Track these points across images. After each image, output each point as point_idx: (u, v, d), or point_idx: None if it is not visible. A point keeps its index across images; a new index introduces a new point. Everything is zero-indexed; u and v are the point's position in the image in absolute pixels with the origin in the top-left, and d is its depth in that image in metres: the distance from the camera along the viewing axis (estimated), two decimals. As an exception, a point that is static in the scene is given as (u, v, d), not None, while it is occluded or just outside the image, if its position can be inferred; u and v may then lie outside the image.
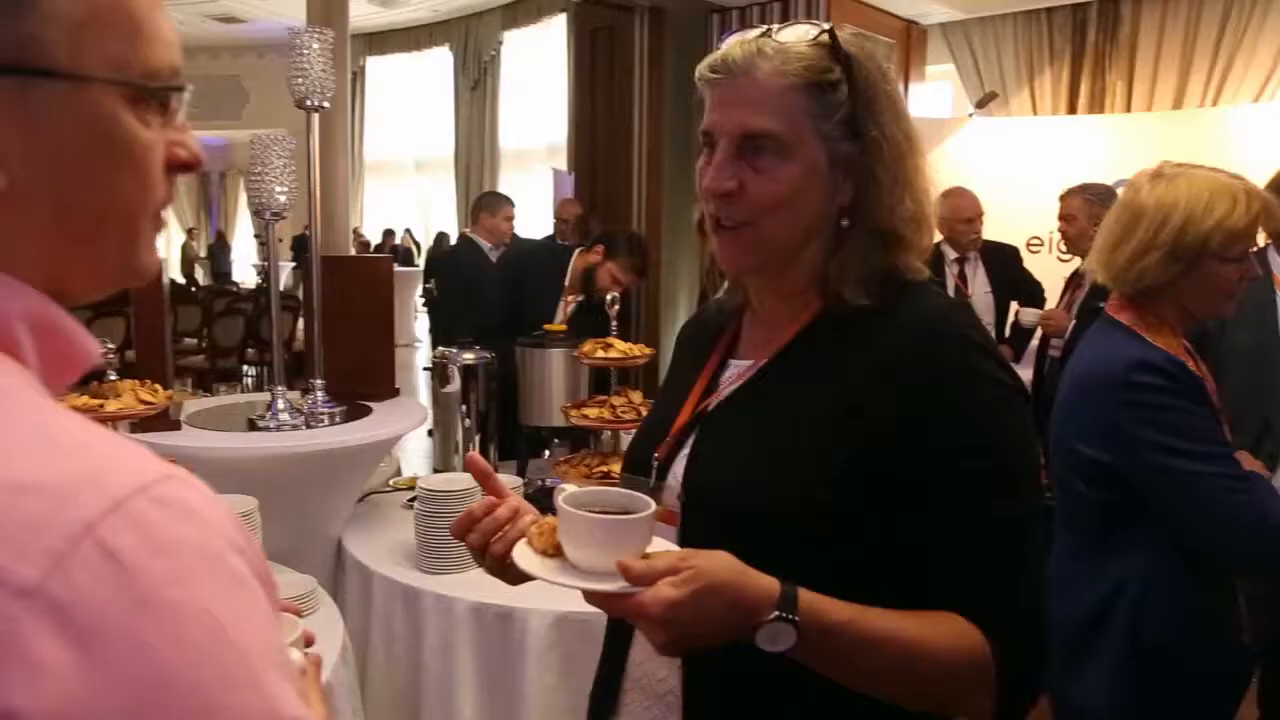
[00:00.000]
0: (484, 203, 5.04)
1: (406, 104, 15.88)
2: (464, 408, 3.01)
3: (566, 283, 3.66)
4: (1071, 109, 6.57)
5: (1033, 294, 4.36)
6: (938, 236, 4.36)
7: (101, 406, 1.96)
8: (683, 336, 1.28)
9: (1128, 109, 6.31)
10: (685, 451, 1.08)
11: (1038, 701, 0.97)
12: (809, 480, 0.96)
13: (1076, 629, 1.71)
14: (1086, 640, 1.70)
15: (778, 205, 1.01)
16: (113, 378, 2.04)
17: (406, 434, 2.79)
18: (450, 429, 3.01)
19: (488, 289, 3.80)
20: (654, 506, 0.91)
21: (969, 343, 0.98)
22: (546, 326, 3.04)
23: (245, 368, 8.24)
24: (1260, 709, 2.39)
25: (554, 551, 0.92)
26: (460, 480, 2.41)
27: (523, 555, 0.94)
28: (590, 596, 0.87)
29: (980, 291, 4.27)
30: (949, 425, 0.94)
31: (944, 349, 0.97)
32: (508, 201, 5.02)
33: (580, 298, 3.64)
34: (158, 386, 2.13)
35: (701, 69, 1.04)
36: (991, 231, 4.52)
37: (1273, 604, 2.15)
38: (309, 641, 0.92)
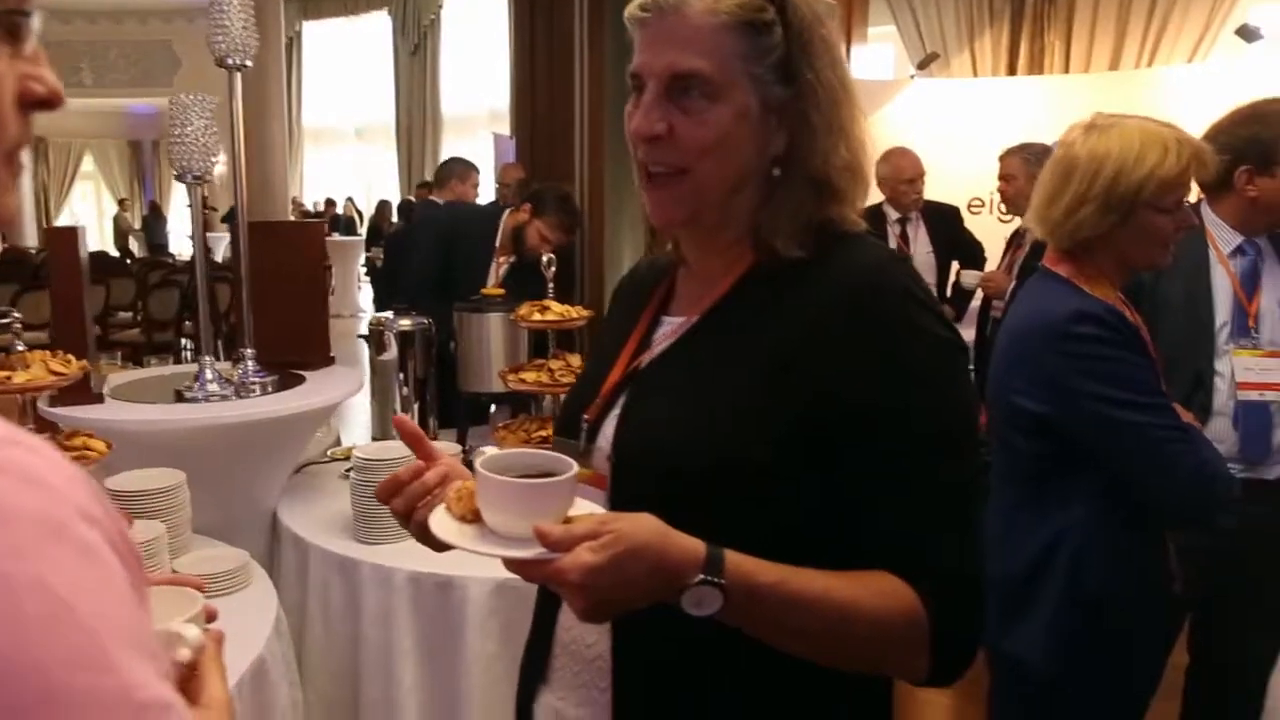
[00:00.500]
0: (454, 169, 4.93)
1: (345, 70, 15.55)
2: (401, 375, 2.95)
3: (497, 244, 3.60)
4: (1011, 70, 6.61)
5: (973, 254, 4.39)
6: (880, 196, 4.38)
7: (9, 379, 1.87)
8: (617, 294, 1.24)
9: (1066, 70, 6.37)
10: (616, 411, 1.04)
11: (973, 661, 0.96)
12: (742, 439, 0.93)
13: (1015, 582, 1.72)
14: (1025, 592, 1.71)
15: (707, 151, 0.97)
16: (20, 348, 1.95)
17: (339, 403, 2.72)
18: (388, 397, 2.94)
19: (427, 253, 3.73)
20: (575, 469, 0.88)
21: (909, 296, 0.95)
22: (484, 290, 2.98)
23: (183, 341, 8.04)
24: (1190, 655, 2.44)
25: (473, 517, 0.88)
26: (397, 449, 2.35)
27: (439, 522, 0.90)
28: (509, 564, 0.84)
29: (922, 252, 4.29)
30: (889, 383, 0.92)
31: (882, 303, 0.94)
32: (476, 169, 4.93)
33: (512, 259, 3.58)
34: (70, 357, 2.04)
35: (631, 8, 1.00)
36: (933, 193, 4.53)
37: (1202, 554, 2.19)
38: (211, 617, 0.87)
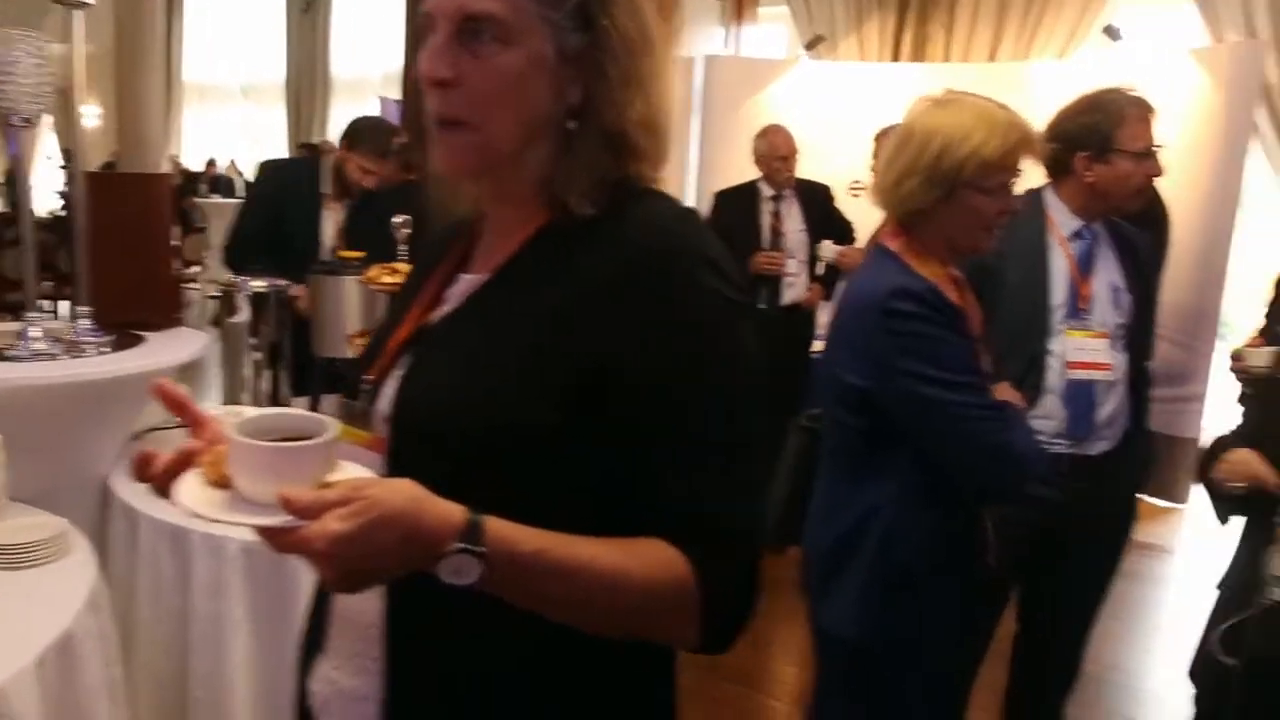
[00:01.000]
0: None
1: (233, 25, 14.90)
2: (254, 340, 2.83)
3: (322, 190, 3.51)
4: (896, 56, 6.73)
5: (843, 233, 4.46)
6: (756, 173, 4.42)
7: None
8: (420, 251, 1.20)
9: (947, 59, 6.51)
10: (400, 371, 1.00)
11: (745, 628, 0.95)
12: (525, 401, 0.90)
13: (831, 555, 1.75)
14: (839, 565, 1.75)
15: (497, 98, 0.93)
16: None
17: (176, 365, 2.60)
18: (238, 362, 2.83)
19: (251, 213, 3.62)
20: (332, 432, 0.83)
21: (698, 257, 0.93)
22: (341, 253, 2.89)
23: (42, 302, 7.61)
24: (1018, 624, 2.54)
25: (226, 483, 0.83)
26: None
27: (187, 489, 0.84)
28: (258, 533, 0.79)
29: (794, 229, 4.34)
30: (669, 342, 0.90)
31: (670, 263, 0.92)
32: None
33: (345, 202, 3.48)
34: None
35: None
36: (818, 173, 4.59)
37: (1026, 528, 2.27)
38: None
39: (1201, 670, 1.84)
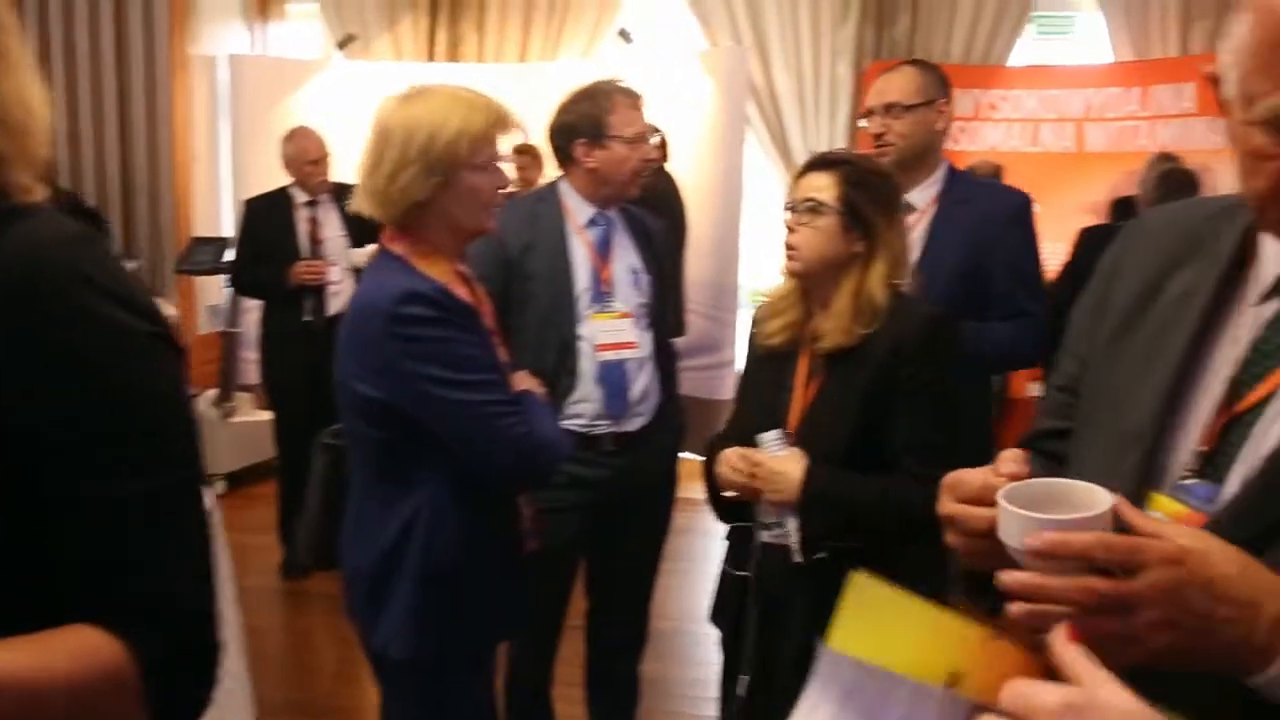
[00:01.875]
0: None
1: None
2: None
3: None
4: (432, 56, 6.72)
5: (376, 235, 4.36)
6: (287, 179, 4.17)
7: None
8: None
9: (481, 59, 6.63)
10: None
11: (208, 700, 0.82)
12: None
13: (374, 574, 1.68)
14: (384, 583, 1.67)
15: None
16: None
17: None
18: None
19: None
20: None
21: (82, 280, 0.78)
22: None
23: None
24: (588, 597, 2.63)
25: None
26: None
27: None
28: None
29: (335, 235, 4.17)
30: (52, 383, 0.75)
31: (47, 289, 0.76)
32: None
33: None
34: None
35: None
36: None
37: (582, 508, 2.35)
38: None
39: (716, 613, 2.01)
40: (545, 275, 2.40)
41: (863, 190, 1.83)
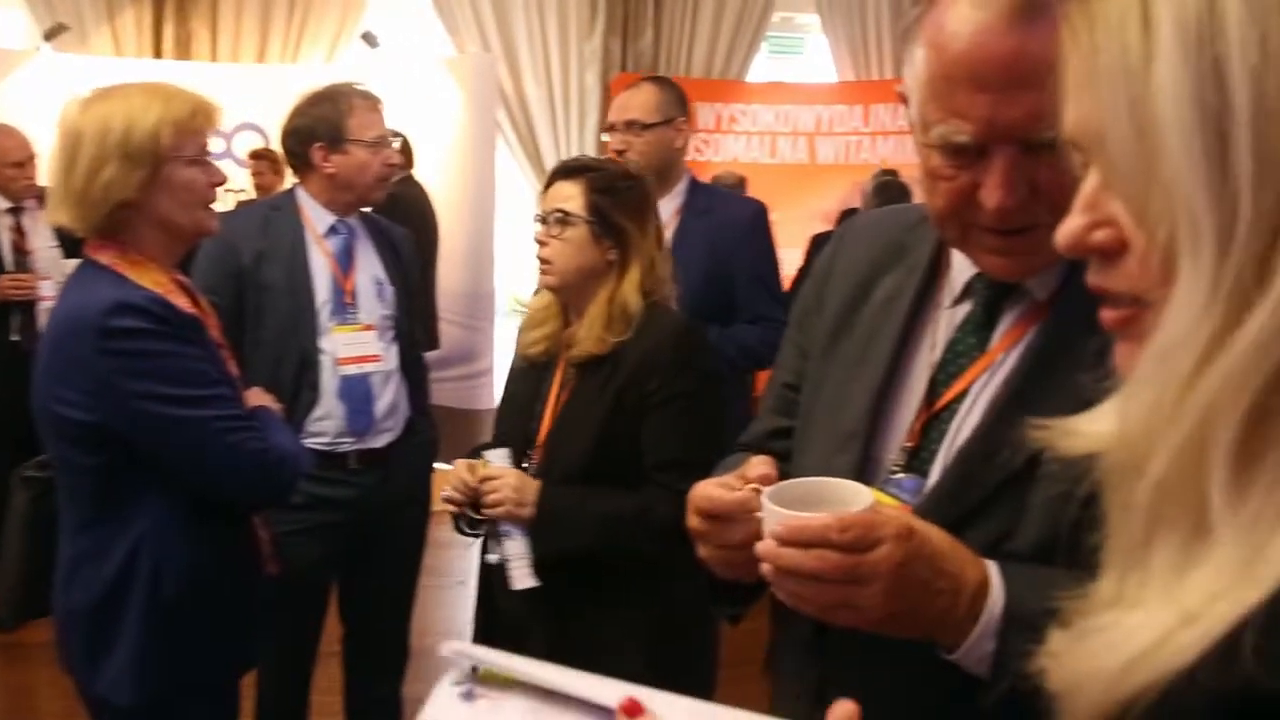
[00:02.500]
0: None
1: None
2: None
3: None
4: (159, 52, 6.25)
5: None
6: None
7: None
8: None
9: (214, 58, 6.24)
10: None
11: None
12: None
13: (94, 615, 1.53)
14: (105, 623, 1.53)
15: None
16: None
17: None
18: None
19: None
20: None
21: None
22: None
23: None
24: (343, 622, 2.52)
25: None
26: None
27: None
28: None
29: (45, 245, 3.77)
30: None
31: None
32: None
33: None
34: None
35: None
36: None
37: (327, 530, 2.26)
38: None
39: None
40: (283, 286, 2.28)
41: (611, 196, 1.79)
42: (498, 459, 1.77)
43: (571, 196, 1.80)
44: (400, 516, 2.45)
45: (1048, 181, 0.87)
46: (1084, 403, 0.85)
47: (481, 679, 0.69)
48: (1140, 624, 0.49)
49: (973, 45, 0.86)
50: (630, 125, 2.54)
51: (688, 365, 1.76)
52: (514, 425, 1.91)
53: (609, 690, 0.65)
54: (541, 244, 1.82)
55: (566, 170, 1.87)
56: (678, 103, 2.63)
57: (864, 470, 1.00)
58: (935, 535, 0.85)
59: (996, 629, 0.84)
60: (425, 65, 5.38)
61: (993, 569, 0.86)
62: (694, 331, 1.84)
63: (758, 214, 2.73)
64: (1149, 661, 0.47)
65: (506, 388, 2.02)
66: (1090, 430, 0.57)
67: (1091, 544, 0.57)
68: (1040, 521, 0.88)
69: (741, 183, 4.73)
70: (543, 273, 1.84)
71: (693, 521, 0.96)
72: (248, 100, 5.37)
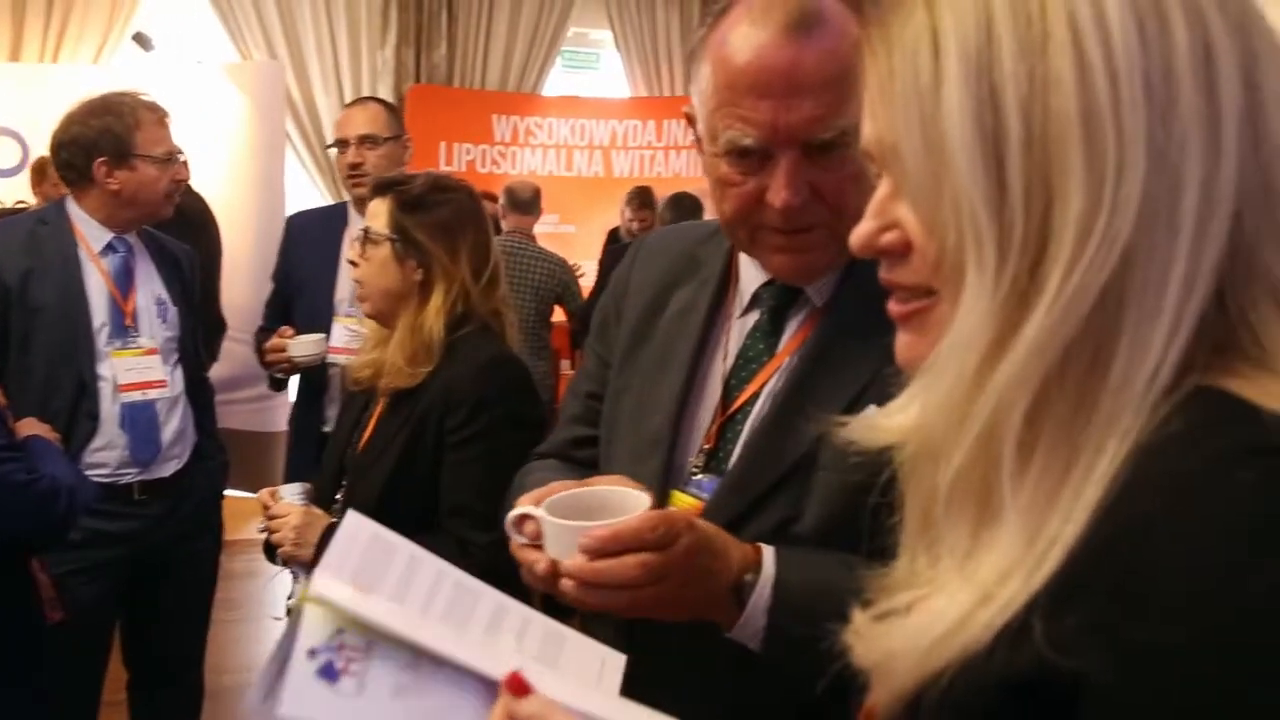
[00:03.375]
0: None
1: None
2: None
3: None
4: (-110, 47, 5.63)
5: None
6: None
7: None
8: None
9: (-40, 55, 5.69)
10: None
11: None
12: None
13: None
14: None
15: None
16: None
17: None
18: None
19: None
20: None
21: None
22: None
23: None
24: (127, 667, 2.37)
25: None
26: None
27: None
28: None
29: None
30: None
31: None
32: None
33: None
34: None
35: None
36: None
37: (96, 568, 2.12)
38: None
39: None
40: (54, 307, 2.13)
41: (417, 214, 1.70)
42: (289, 494, 1.70)
43: (378, 214, 1.73)
44: (189, 548, 2.33)
45: (826, 183, 0.96)
46: (858, 395, 0.94)
47: (344, 636, 0.62)
48: (944, 605, 0.54)
49: (754, 58, 0.94)
50: (364, 140, 2.57)
51: (492, 404, 1.61)
52: (331, 454, 1.85)
53: (491, 662, 0.63)
54: (353, 264, 1.76)
55: (378, 186, 1.80)
56: (401, 122, 2.75)
57: (669, 474, 1.06)
58: (702, 520, 0.92)
59: (766, 606, 0.90)
60: (206, 70, 5.12)
61: (768, 553, 0.93)
62: (507, 367, 1.70)
63: None
64: (951, 640, 0.52)
65: (338, 417, 1.96)
66: (888, 424, 0.63)
67: (888, 528, 0.64)
68: (821, 506, 0.96)
69: (537, 194, 4.76)
70: (358, 296, 1.79)
71: (514, 547, 0.94)
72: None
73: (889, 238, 0.60)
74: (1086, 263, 0.50)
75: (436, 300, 1.68)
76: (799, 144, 0.95)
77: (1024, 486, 0.53)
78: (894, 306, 0.62)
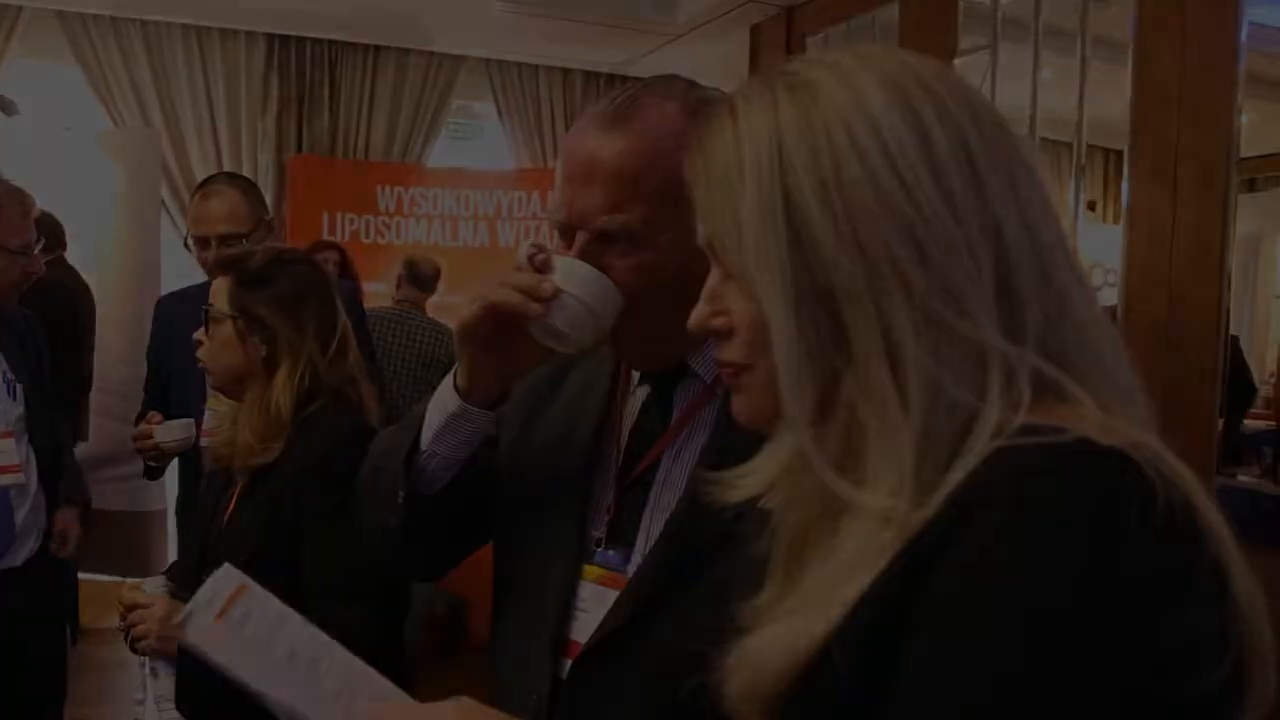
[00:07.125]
0: None
1: None
2: None
3: None
4: None
5: None
6: None
7: None
8: None
9: None
10: None
11: None
12: None
13: None
14: None
15: None
16: None
17: None
18: None
19: None
20: None
21: None
22: None
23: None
24: None
25: None
26: None
27: None
28: None
29: None
30: None
31: None
32: None
33: None
34: None
35: None
36: None
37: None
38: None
39: None
40: None
41: (257, 289, 1.68)
42: (152, 586, 1.63)
43: (219, 292, 1.71)
44: (41, 641, 2.21)
45: (614, 270, 1.01)
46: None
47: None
48: (797, 624, 0.64)
49: (569, 143, 1.03)
50: (225, 239, 2.31)
51: (346, 479, 1.46)
52: (193, 536, 1.79)
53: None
54: (198, 343, 1.73)
55: (219, 263, 1.78)
56: (262, 200, 2.54)
57: (583, 548, 1.08)
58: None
59: None
60: (76, 137, 4.96)
61: None
62: (361, 440, 1.54)
63: (353, 292, 2.75)
64: (798, 654, 0.62)
65: (199, 498, 1.90)
66: (744, 482, 0.75)
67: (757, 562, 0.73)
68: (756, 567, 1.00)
69: (437, 273, 4.70)
70: (207, 374, 1.76)
71: None
72: None
73: (718, 321, 0.72)
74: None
75: (283, 375, 1.65)
76: (588, 228, 1.01)
77: (835, 531, 0.65)
78: (725, 373, 0.74)
